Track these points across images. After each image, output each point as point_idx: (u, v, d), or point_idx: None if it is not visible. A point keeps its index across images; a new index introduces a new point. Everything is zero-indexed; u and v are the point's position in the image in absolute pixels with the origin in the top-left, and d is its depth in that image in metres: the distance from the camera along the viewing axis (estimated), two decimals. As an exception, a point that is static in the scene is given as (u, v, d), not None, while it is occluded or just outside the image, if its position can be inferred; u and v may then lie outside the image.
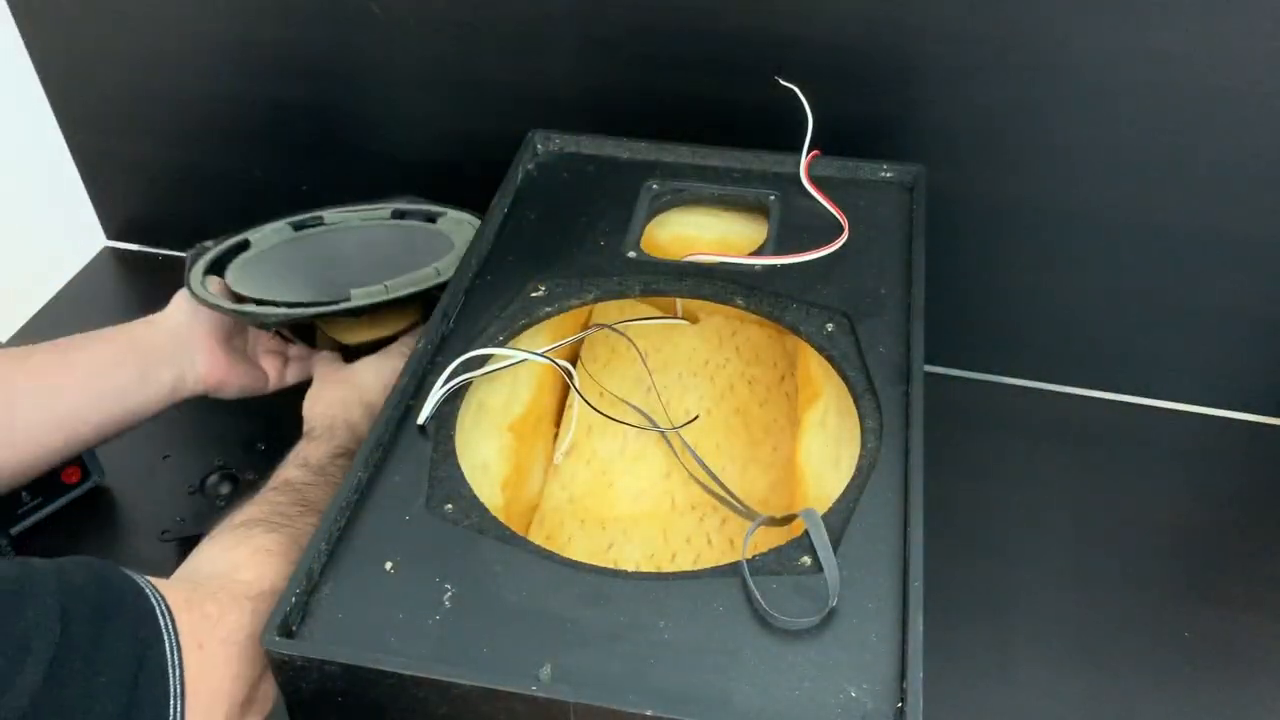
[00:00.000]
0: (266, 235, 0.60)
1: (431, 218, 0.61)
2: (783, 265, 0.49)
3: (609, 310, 0.56)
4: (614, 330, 0.54)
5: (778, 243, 0.51)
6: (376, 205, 0.62)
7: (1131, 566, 0.56)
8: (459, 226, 0.60)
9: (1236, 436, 0.64)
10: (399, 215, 0.61)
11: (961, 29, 0.55)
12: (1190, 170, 0.57)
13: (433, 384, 0.43)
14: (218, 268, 0.56)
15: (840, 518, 0.38)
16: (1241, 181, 0.56)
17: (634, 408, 0.52)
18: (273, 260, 0.58)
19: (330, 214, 0.61)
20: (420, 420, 0.42)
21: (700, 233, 0.54)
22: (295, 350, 0.59)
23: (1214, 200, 0.57)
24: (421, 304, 0.55)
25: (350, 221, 0.61)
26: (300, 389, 0.54)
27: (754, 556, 0.37)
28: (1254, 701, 0.50)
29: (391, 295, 0.53)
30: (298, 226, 0.60)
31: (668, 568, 0.46)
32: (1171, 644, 0.53)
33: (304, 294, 0.54)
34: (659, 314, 0.57)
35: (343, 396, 0.52)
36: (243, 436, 0.63)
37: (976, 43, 0.55)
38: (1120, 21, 0.53)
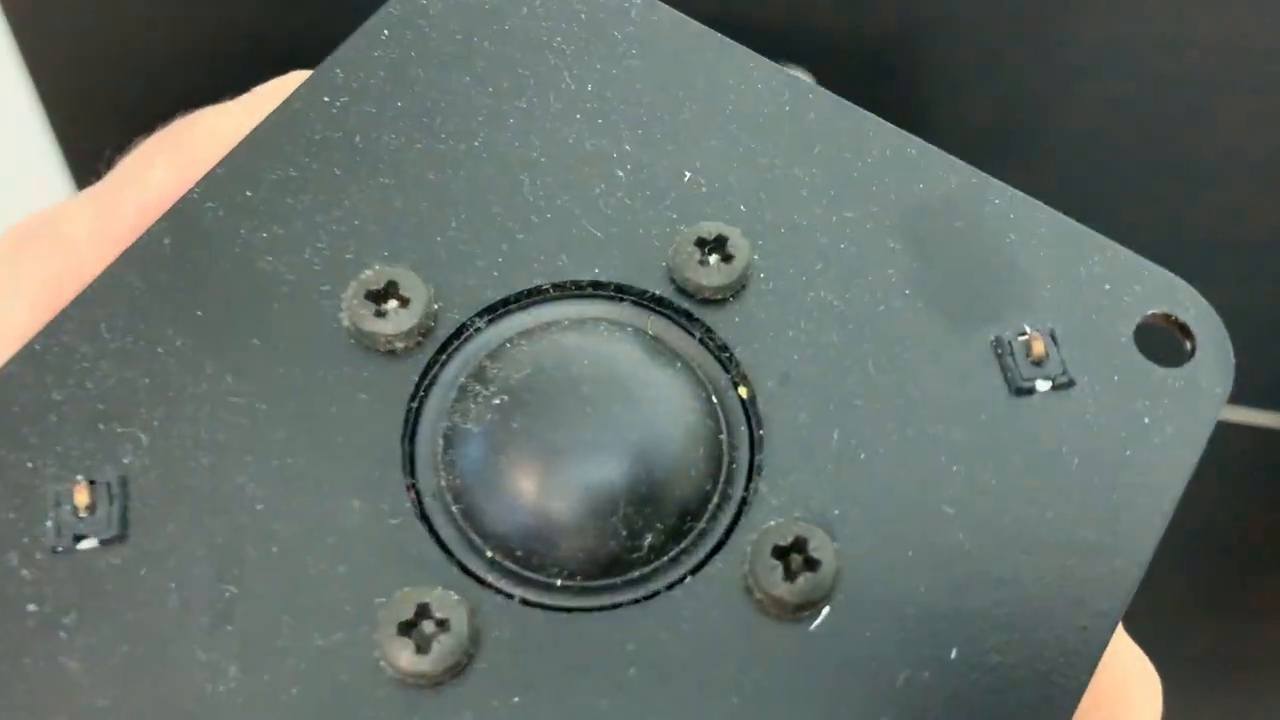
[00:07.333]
0: None
1: None
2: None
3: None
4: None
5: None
6: None
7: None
8: None
9: (1244, 437, 0.64)
10: None
11: (972, 19, 0.55)
12: (1198, 168, 0.56)
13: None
14: None
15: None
16: (1250, 179, 0.56)
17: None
18: None
19: None
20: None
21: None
22: None
23: (1221, 199, 0.57)
24: None
25: None
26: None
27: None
28: (1268, 712, 0.50)
29: None
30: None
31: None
32: (1177, 648, 0.52)
33: None
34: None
35: None
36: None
37: (987, 35, 0.55)
38: (1127, 17, 0.53)
